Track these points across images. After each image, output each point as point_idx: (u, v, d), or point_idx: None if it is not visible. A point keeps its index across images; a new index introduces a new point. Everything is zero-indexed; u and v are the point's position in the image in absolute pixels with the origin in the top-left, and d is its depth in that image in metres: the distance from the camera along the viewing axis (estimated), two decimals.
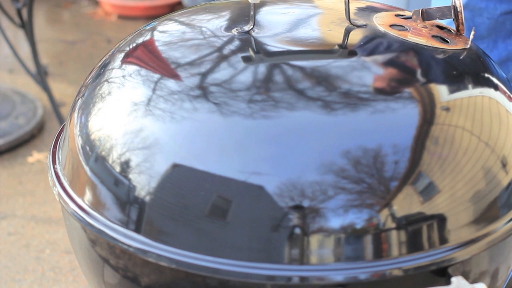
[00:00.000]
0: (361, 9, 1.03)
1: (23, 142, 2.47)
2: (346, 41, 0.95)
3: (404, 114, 0.87)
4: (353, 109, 0.86)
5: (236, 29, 0.96)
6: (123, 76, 0.94)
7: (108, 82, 0.94)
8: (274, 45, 0.94)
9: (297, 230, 0.80)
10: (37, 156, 2.41)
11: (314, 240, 0.80)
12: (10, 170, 2.34)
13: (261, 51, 0.93)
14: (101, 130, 0.90)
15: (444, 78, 0.93)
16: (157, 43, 0.98)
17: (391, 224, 0.81)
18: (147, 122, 0.87)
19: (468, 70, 0.95)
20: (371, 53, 0.93)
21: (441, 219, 0.83)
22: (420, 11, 0.99)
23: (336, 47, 0.94)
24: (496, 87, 0.95)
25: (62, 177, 0.95)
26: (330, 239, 0.80)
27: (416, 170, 0.83)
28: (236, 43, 0.94)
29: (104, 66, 0.97)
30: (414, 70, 0.93)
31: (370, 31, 0.96)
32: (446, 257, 0.82)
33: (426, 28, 0.98)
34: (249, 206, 0.81)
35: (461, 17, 0.98)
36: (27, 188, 2.26)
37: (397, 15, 1.01)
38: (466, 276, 0.85)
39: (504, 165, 0.88)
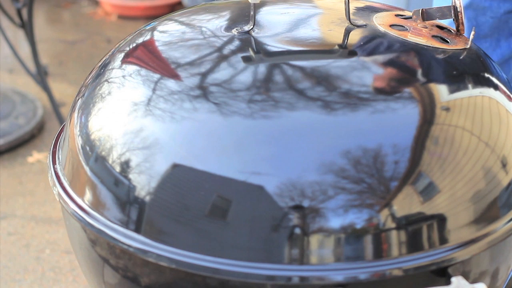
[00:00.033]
0: (361, 9, 1.03)
1: (23, 142, 2.47)
2: (346, 41, 0.95)
3: (404, 114, 0.87)
4: (353, 109, 0.86)
5: (236, 29, 0.96)
6: (123, 76, 0.94)
7: (108, 82, 0.94)
8: (274, 45, 0.94)
9: (297, 230, 0.80)
10: (37, 156, 2.41)
11: (314, 240, 0.80)
12: (10, 170, 2.34)
13: (261, 51, 0.93)
14: (101, 130, 0.90)
15: (444, 78, 0.93)
16: (157, 43, 0.98)
17: (391, 224, 0.81)
18: (147, 122, 0.87)
19: (468, 70, 0.95)
20: (371, 53, 0.93)
21: (441, 219, 0.83)
22: (420, 11, 0.99)
23: (336, 47, 0.94)
24: (496, 87, 0.95)
25: (62, 177, 0.95)
26: (330, 239, 0.80)
27: (416, 170, 0.83)
28: (236, 43, 0.94)
29: (104, 66, 0.97)
30: (414, 70, 0.93)
31: (370, 31, 0.96)
32: (446, 257, 0.82)
33: (426, 28, 0.98)
34: (249, 206, 0.81)
35: (461, 17, 0.98)
36: (27, 188, 2.26)
37: (397, 15, 1.01)
38: (466, 276, 0.85)
39: (504, 165, 0.88)
